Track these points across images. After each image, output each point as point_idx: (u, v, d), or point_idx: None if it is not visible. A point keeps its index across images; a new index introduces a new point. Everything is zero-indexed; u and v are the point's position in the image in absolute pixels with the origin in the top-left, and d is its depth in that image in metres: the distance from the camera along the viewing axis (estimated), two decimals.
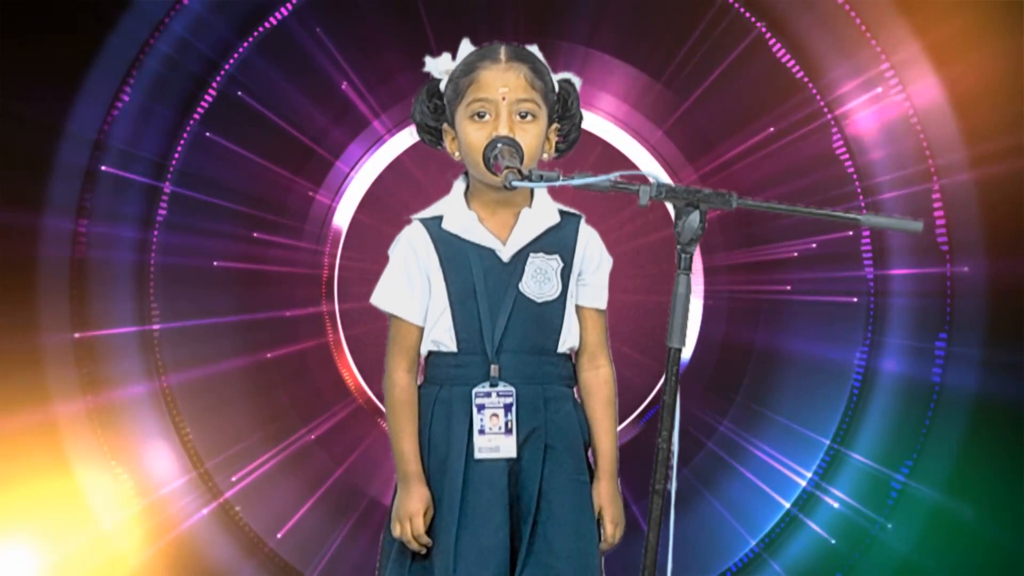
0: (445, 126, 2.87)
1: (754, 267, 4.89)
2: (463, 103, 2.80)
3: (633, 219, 4.80)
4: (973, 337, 4.73)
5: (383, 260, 2.87)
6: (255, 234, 4.83)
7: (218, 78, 4.77)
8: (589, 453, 2.89)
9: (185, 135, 4.78)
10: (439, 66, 2.87)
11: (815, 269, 4.83)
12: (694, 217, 2.50)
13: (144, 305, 4.80)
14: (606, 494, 2.86)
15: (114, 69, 4.69)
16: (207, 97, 4.78)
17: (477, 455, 2.79)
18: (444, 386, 2.82)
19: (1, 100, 4.55)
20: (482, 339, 2.80)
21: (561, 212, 2.88)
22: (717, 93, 4.81)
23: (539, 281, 2.83)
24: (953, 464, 4.73)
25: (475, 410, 2.79)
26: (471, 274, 2.81)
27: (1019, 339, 4.67)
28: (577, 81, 2.92)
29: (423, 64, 2.89)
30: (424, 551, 2.80)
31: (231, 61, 4.78)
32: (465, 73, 2.81)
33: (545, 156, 2.87)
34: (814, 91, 4.79)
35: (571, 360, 2.90)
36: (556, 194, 2.83)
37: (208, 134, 4.78)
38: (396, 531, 2.80)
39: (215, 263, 4.81)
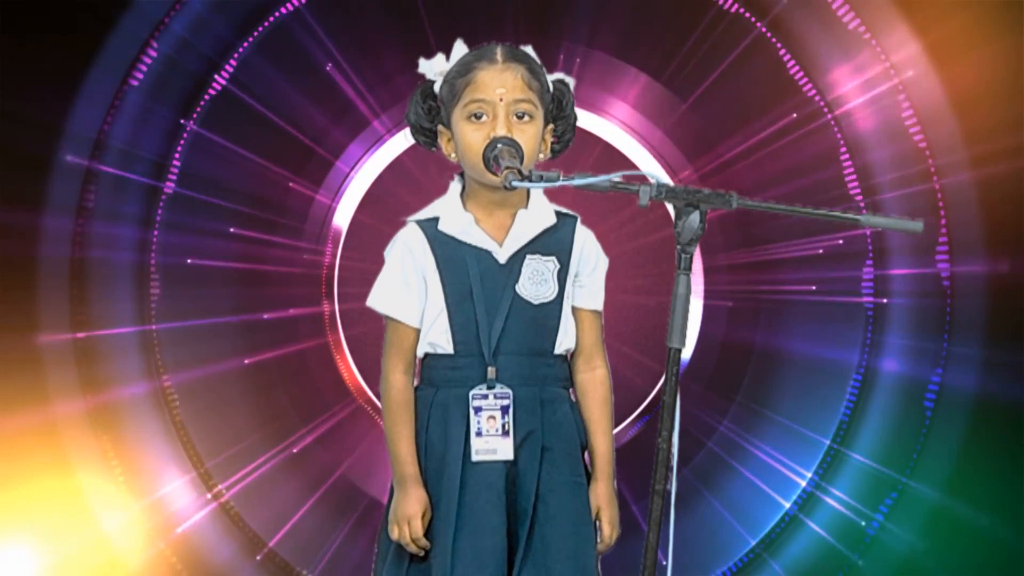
0: (440, 127, 2.87)
1: (754, 267, 4.88)
2: (459, 104, 2.80)
3: (633, 219, 4.80)
4: (973, 337, 4.73)
5: (383, 260, 2.87)
6: (255, 234, 4.83)
7: (218, 78, 4.77)
8: (585, 455, 2.89)
9: (185, 135, 4.78)
10: (433, 67, 2.86)
11: (815, 269, 4.83)
12: (694, 217, 2.50)
13: (144, 305, 4.80)
14: (603, 495, 2.86)
15: (114, 69, 4.69)
16: (207, 97, 4.78)
17: (474, 457, 2.78)
18: (441, 388, 2.82)
19: (1, 100, 4.55)
20: (479, 341, 2.79)
21: (557, 213, 2.87)
22: (717, 93, 4.81)
23: (536, 283, 2.83)
24: (953, 464, 4.72)
25: (472, 412, 2.79)
26: (468, 276, 2.80)
27: (1019, 339, 4.67)
28: (571, 81, 2.91)
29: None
30: (422, 553, 2.79)
31: (231, 61, 4.78)
32: (461, 74, 2.80)
33: (541, 156, 2.87)
34: (814, 91, 4.79)
35: (567, 361, 2.89)
36: (555, 194, 2.83)
37: (208, 134, 4.78)
38: (394, 534, 2.80)
39: (215, 263, 4.81)
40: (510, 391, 2.79)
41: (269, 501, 4.84)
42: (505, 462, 2.78)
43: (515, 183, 2.63)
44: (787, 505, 4.84)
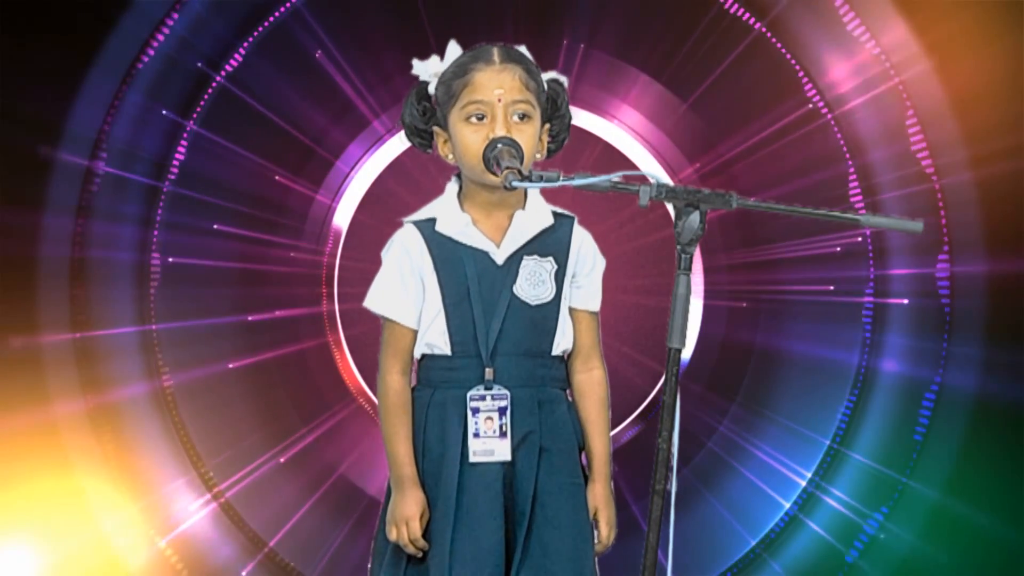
0: (436, 129, 2.86)
1: (754, 267, 4.88)
2: (457, 105, 2.79)
3: (633, 219, 4.80)
4: (973, 337, 4.73)
5: (381, 261, 2.87)
6: (255, 234, 4.83)
7: (218, 78, 4.77)
8: (582, 455, 2.89)
9: (185, 135, 4.78)
10: (427, 69, 2.85)
11: (815, 269, 4.83)
12: (694, 218, 2.50)
13: (144, 305, 4.80)
14: (600, 496, 2.85)
15: (114, 69, 4.69)
16: (207, 97, 4.78)
17: (472, 458, 2.78)
18: (438, 389, 2.82)
19: (1, 100, 4.55)
20: (476, 342, 2.79)
21: (555, 214, 2.87)
22: (717, 93, 4.81)
23: (533, 284, 2.83)
24: (953, 464, 4.72)
25: (469, 413, 2.79)
26: (465, 277, 2.80)
27: (1019, 339, 4.67)
28: (564, 80, 2.90)
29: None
30: (420, 555, 2.79)
31: (231, 61, 4.78)
32: (458, 75, 2.79)
33: (539, 156, 2.87)
34: (814, 91, 4.79)
35: (564, 362, 2.89)
36: (555, 194, 2.83)
37: (208, 134, 4.78)
38: (392, 535, 2.79)
39: (215, 263, 4.81)
40: (508, 392, 2.79)
41: (269, 501, 4.84)
42: (503, 463, 2.78)
43: (515, 183, 2.63)
44: (787, 505, 4.84)
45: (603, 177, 2.49)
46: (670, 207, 2.56)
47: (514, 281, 2.82)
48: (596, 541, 2.85)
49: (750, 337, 4.90)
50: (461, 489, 2.77)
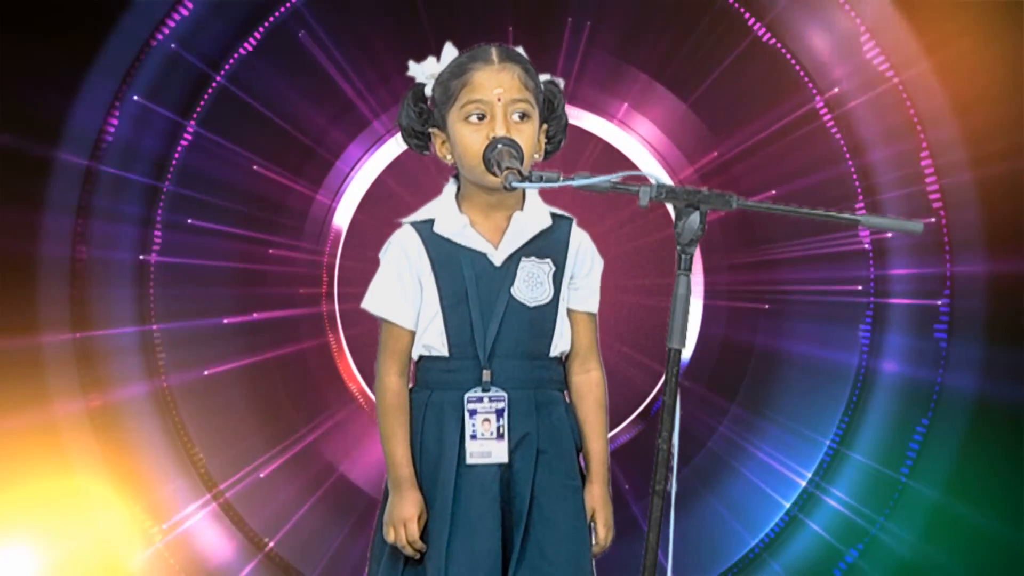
0: (434, 130, 2.85)
1: (754, 267, 4.88)
2: (456, 106, 2.78)
3: (633, 219, 4.80)
4: (973, 337, 4.73)
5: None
6: (255, 234, 4.83)
7: (218, 78, 4.77)
8: (580, 457, 2.88)
9: (185, 135, 4.78)
10: (424, 70, 2.84)
11: (815, 269, 4.83)
12: (694, 218, 2.50)
13: (144, 305, 4.80)
14: (598, 497, 2.85)
15: (114, 69, 4.69)
16: (207, 97, 4.78)
17: (469, 460, 2.77)
18: (435, 390, 2.81)
19: (1, 100, 4.55)
20: (474, 344, 2.79)
21: (553, 215, 2.86)
22: (717, 93, 4.81)
23: (531, 285, 2.82)
24: (953, 464, 4.72)
25: (467, 415, 2.78)
26: (463, 278, 2.80)
27: (1019, 339, 4.67)
28: (560, 82, 2.89)
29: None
30: (417, 556, 2.79)
31: (231, 61, 4.78)
32: (456, 75, 2.79)
33: (536, 157, 2.86)
34: (814, 91, 4.79)
35: (562, 364, 2.88)
36: (555, 195, 2.82)
37: (208, 134, 4.78)
38: (390, 536, 2.79)
39: (215, 263, 4.81)
40: (505, 394, 2.78)
41: (269, 501, 4.84)
42: (500, 465, 2.78)
43: (515, 183, 2.63)
44: (787, 505, 4.84)
45: (603, 177, 2.49)
46: (670, 207, 2.56)
47: (512, 283, 2.81)
48: (593, 543, 2.85)
49: (750, 337, 4.90)
50: (458, 491, 2.76)
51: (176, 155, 4.79)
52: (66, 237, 4.72)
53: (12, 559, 4.60)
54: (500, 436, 2.78)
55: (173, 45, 4.72)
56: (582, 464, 2.88)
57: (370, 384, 4.59)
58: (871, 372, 4.83)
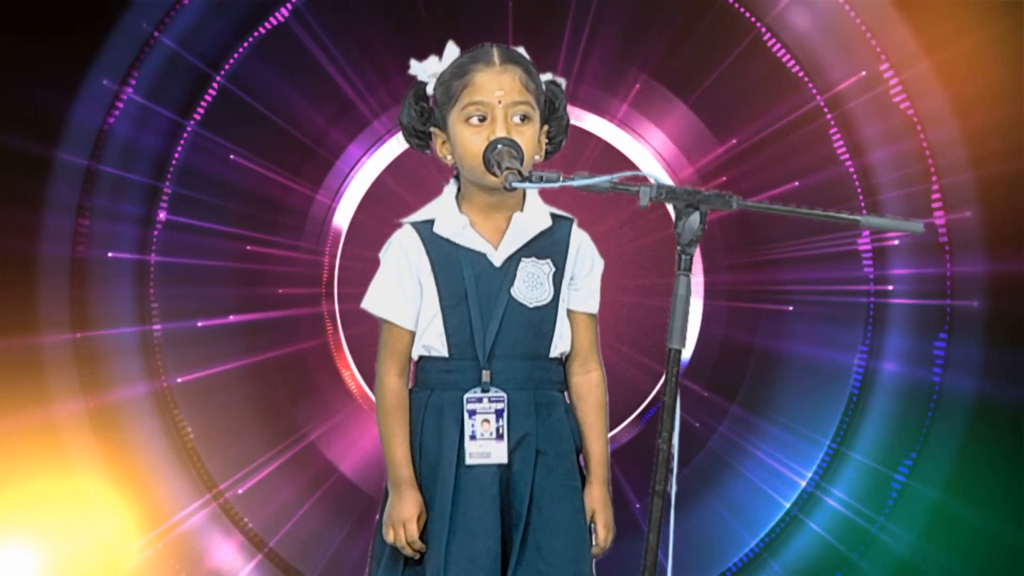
0: (434, 129, 2.85)
1: (754, 267, 4.88)
2: (457, 106, 2.78)
3: (633, 220, 4.80)
4: (973, 337, 4.73)
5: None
6: (255, 234, 4.83)
7: (218, 78, 4.77)
8: (580, 458, 2.88)
9: (185, 135, 4.78)
10: (425, 69, 2.83)
11: (815, 269, 4.83)
12: (694, 218, 2.50)
13: (144, 305, 4.80)
14: (598, 498, 2.85)
15: (114, 69, 4.69)
16: (207, 97, 4.78)
17: (468, 461, 2.77)
18: (435, 391, 2.81)
19: (1, 100, 4.55)
20: (473, 344, 2.79)
21: (553, 215, 2.86)
22: (717, 93, 4.81)
23: (531, 286, 2.82)
24: (953, 464, 4.73)
25: (466, 415, 2.78)
26: (463, 279, 2.79)
27: (1019, 339, 4.67)
28: (562, 82, 2.89)
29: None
30: (417, 556, 2.79)
31: (231, 61, 4.78)
32: (457, 76, 2.78)
33: (537, 158, 2.86)
34: (814, 91, 4.79)
35: (562, 364, 2.88)
36: (555, 195, 2.82)
37: (208, 134, 4.78)
38: (389, 537, 2.79)
39: (215, 263, 4.81)
40: (504, 395, 2.78)
41: (269, 501, 4.84)
42: (499, 466, 2.78)
43: (515, 184, 2.63)
44: (787, 505, 4.84)
45: (603, 178, 2.49)
46: (670, 208, 2.56)
47: (512, 283, 2.81)
48: (593, 544, 2.84)
49: (750, 337, 4.90)
50: (457, 491, 2.76)
51: (176, 155, 4.79)
52: (66, 237, 4.72)
53: (12, 559, 4.60)
54: (499, 437, 2.78)
55: (173, 45, 4.72)
56: (582, 465, 2.88)
57: (370, 384, 4.59)
58: (871, 372, 4.83)
